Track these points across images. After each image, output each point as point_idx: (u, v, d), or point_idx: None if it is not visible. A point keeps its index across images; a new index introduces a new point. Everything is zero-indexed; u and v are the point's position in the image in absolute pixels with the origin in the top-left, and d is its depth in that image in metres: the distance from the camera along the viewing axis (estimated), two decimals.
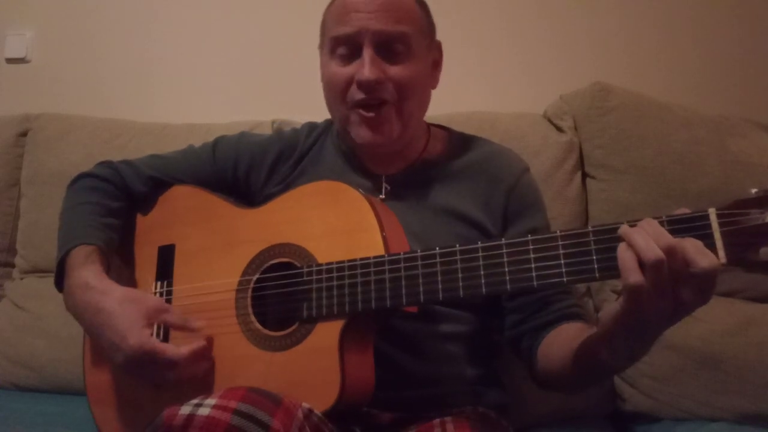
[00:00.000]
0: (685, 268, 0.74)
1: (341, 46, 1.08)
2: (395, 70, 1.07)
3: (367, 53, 1.05)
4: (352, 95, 1.08)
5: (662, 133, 1.42)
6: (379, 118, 1.08)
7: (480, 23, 1.78)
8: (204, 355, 1.01)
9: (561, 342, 1.00)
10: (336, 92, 1.10)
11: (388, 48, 1.07)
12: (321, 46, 1.16)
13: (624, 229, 0.78)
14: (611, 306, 0.83)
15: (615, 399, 1.36)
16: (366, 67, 1.05)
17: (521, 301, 1.09)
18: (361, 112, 1.08)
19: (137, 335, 0.97)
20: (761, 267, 0.75)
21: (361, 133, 1.09)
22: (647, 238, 0.75)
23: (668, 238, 0.74)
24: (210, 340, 1.02)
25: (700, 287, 0.75)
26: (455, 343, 1.09)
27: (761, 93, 1.65)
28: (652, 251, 0.74)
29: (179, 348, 0.98)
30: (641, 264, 0.75)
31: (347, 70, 1.08)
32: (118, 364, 0.99)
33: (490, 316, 1.16)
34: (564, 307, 1.07)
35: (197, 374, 1.01)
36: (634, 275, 0.75)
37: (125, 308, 1.00)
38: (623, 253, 0.77)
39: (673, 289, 0.75)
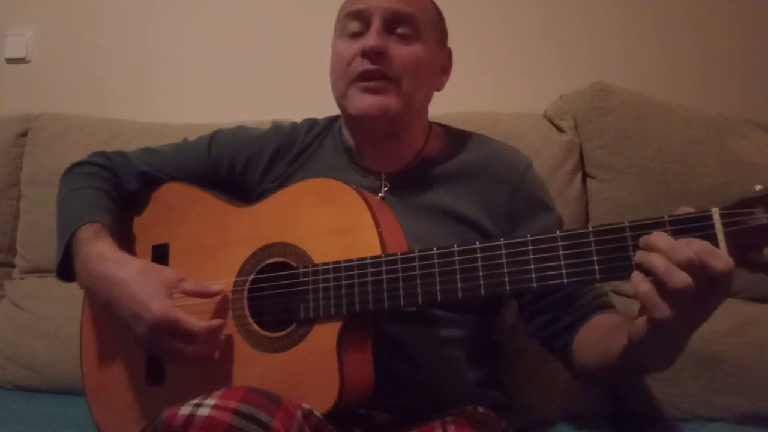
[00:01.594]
0: (703, 272, 0.72)
1: (353, 21, 1.10)
2: (401, 49, 1.08)
3: (376, 25, 1.07)
4: (355, 67, 1.08)
5: (662, 133, 1.41)
6: (378, 89, 1.08)
7: (480, 23, 1.78)
8: (219, 334, 0.99)
9: (592, 344, 0.99)
10: (340, 66, 1.11)
11: (398, 25, 1.09)
12: (334, 34, 1.16)
13: (641, 257, 0.75)
14: (634, 326, 0.81)
15: (615, 399, 1.35)
16: (373, 35, 1.06)
17: (546, 302, 1.08)
18: (362, 83, 1.08)
19: (160, 303, 0.96)
20: (765, 267, 0.74)
21: (358, 104, 1.08)
22: (667, 262, 0.73)
23: (684, 253, 0.72)
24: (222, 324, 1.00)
25: (721, 289, 0.74)
26: (456, 347, 1.09)
27: (761, 93, 1.65)
28: (679, 278, 0.72)
29: (200, 321, 0.97)
30: (665, 291, 0.73)
31: (354, 46, 1.09)
32: (139, 334, 0.98)
33: (490, 317, 1.16)
34: (589, 300, 1.05)
35: (198, 367, 0.99)
36: (661, 310, 0.73)
37: (145, 278, 0.99)
38: (642, 285, 0.75)
39: (696, 301, 0.74)
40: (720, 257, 0.72)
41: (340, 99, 1.13)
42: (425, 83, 1.14)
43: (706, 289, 0.74)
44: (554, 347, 1.08)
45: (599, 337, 0.97)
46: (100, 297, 1.04)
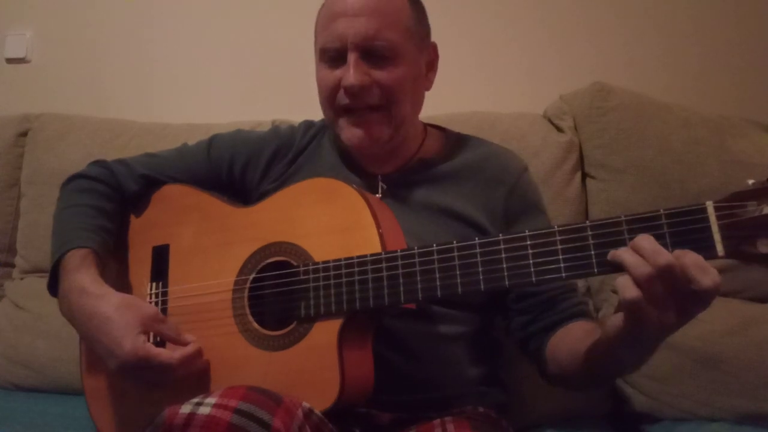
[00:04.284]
0: (687, 285, 0.74)
1: (330, 51, 1.09)
2: (381, 75, 1.07)
3: (351, 58, 1.05)
4: (340, 100, 1.08)
5: (662, 133, 1.42)
6: (366, 122, 1.08)
7: (480, 23, 1.78)
8: (197, 359, 1.01)
9: (567, 344, 1.00)
10: (325, 96, 1.11)
11: (374, 52, 1.06)
12: (315, 49, 1.16)
13: (612, 253, 0.79)
14: (612, 318, 0.83)
15: (615, 399, 1.35)
16: (350, 73, 1.05)
17: (528, 302, 1.09)
18: (349, 115, 1.08)
19: (132, 341, 0.96)
20: (759, 259, 0.75)
21: (350, 136, 1.09)
22: (636, 256, 0.76)
23: (665, 257, 0.74)
24: (205, 344, 1.02)
25: (703, 299, 0.75)
26: (456, 344, 1.09)
27: (761, 93, 1.65)
28: (642, 267, 0.74)
29: (173, 352, 0.98)
30: (635, 280, 0.75)
31: (335, 75, 1.08)
32: (113, 370, 0.99)
33: (490, 315, 1.16)
34: (570, 306, 1.07)
35: (194, 376, 1.00)
36: (629, 291, 0.76)
37: (121, 314, 0.99)
38: (620, 277, 0.78)
39: (675, 303, 0.76)
40: (708, 273, 0.73)
41: (331, 126, 1.14)
42: (412, 96, 1.13)
43: (688, 299, 0.75)
44: (529, 348, 1.10)
45: (575, 338, 0.99)
46: (78, 329, 1.05)
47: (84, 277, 1.05)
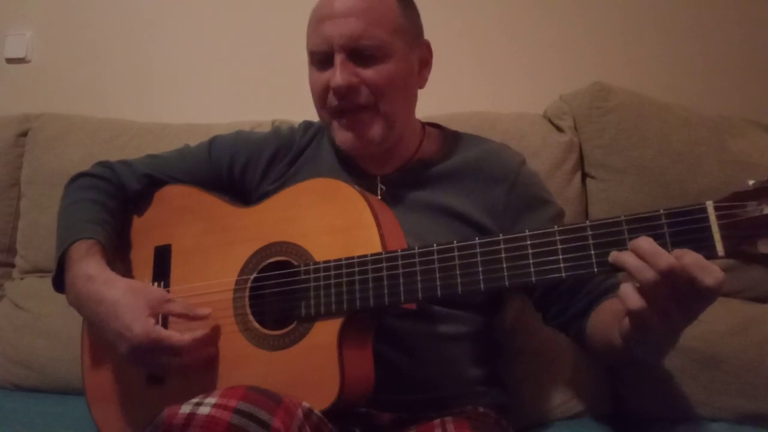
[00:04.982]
0: (690, 285, 0.74)
1: (317, 54, 1.09)
2: (369, 73, 1.07)
3: (338, 59, 1.06)
4: (331, 101, 1.08)
5: (662, 133, 1.41)
6: (357, 124, 1.08)
7: (480, 23, 1.78)
8: (207, 343, 1.01)
9: (601, 329, 1.00)
10: (317, 98, 1.12)
11: (360, 52, 1.06)
12: (306, 53, 1.16)
13: (613, 255, 0.79)
14: (623, 325, 0.83)
15: (615, 399, 1.35)
16: (337, 73, 1.05)
17: (557, 291, 1.09)
18: (341, 118, 1.09)
19: (142, 324, 0.97)
20: (759, 259, 0.75)
21: (343, 139, 1.10)
22: (637, 260, 0.76)
23: (666, 259, 0.74)
24: (212, 331, 1.02)
25: (706, 297, 0.75)
26: (456, 344, 1.09)
27: (761, 93, 1.65)
28: (645, 270, 0.75)
29: (183, 335, 0.98)
30: (638, 283, 0.76)
31: (324, 77, 1.08)
32: (122, 354, 0.99)
33: (490, 314, 1.17)
34: (597, 284, 1.06)
35: (194, 374, 1.01)
36: (632, 301, 0.76)
37: (129, 298, 1.00)
38: (622, 284, 0.78)
39: (678, 304, 0.76)
40: (710, 272, 0.73)
41: (326, 128, 1.15)
42: (404, 94, 1.13)
43: (691, 299, 0.76)
44: (569, 333, 1.10)
45: (604, 324, 0.98)
46: (86, 316, 1.06)
47: (90, 265, 1.05)
